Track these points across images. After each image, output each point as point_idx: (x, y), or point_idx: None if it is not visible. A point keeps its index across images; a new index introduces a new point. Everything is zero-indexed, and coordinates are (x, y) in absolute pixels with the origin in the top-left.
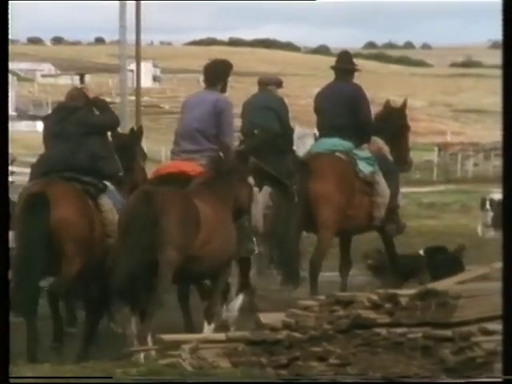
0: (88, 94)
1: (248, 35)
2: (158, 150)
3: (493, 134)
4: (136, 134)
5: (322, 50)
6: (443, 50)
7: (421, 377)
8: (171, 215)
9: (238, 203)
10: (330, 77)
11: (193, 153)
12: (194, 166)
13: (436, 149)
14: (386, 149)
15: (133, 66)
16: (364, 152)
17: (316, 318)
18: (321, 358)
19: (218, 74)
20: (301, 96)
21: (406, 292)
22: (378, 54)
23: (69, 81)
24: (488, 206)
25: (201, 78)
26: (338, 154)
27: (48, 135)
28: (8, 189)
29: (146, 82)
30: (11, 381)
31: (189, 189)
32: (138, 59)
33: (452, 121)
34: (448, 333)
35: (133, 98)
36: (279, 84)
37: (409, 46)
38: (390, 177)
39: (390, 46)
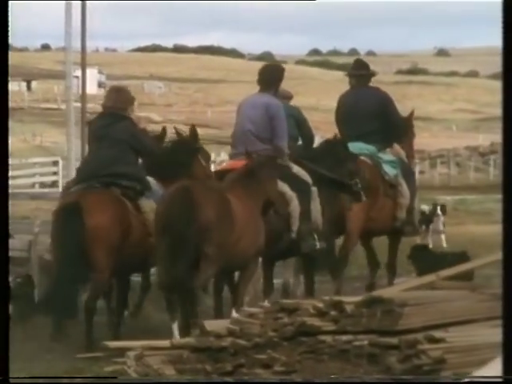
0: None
1: (193, 42)
2: None
3: (439, 141)
4: (195, 132)
5: (267, 57)
6: (388, 57)
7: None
8: (209, 211)
9: (268, 200)
10: None
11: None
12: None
13: None
14: (402, 153)
15: (78, 73)
16: (388, 155)
17: (261, 325)
18: (266, 366)
19: (271, 78)
20: None
21: (351, 299)
22: (323, 60)
23: (16, 87)
24: (439, 211)
25: (145, 84)
26: (363, 157)
27: (91, 139)
28: (8, 191)
29: (92, 88)
30: (11, 381)
31: (222, 185)
32: (83, 66)
33: None
34: (394, 340)
35: (78, 104)
36: (290, 98)
37: (353, 53)
38: (409, 179)
39: (335, 52)
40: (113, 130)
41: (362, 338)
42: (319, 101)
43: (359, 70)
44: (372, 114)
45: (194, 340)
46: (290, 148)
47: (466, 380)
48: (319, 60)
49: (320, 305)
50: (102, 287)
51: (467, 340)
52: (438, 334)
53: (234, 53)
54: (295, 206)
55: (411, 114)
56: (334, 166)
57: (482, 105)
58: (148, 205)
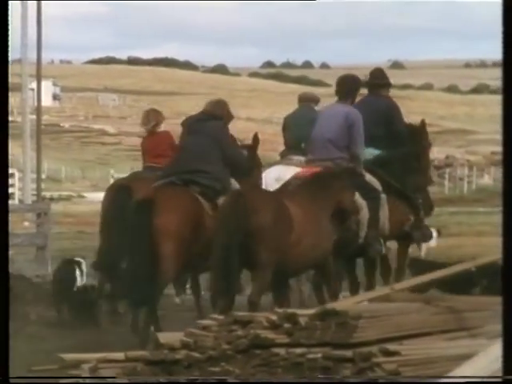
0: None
1: (147, 54)
2: (58, 169)
3: None
4: (257, 140)
5: (220, 69)
6: (342, 70)
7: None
8: (263, 215)
9: (341, 207)
10: (227, 96)
11: (325, 161)
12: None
13: None
14: None
15: (34, 85)
16: None
17: (215, 338)
18: (220, 379)
19: (349, 88)
20: None
21: (305, 312)
22: (277, 73)
23: None
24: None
25: (100, 96)
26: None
27: (185, 133)
28: (8, 191)
29: (46, 100)
30: (11, 381)
31: (282, 191)
32: (39, 78)
33: None
34: (348, 353)
35: (34, 116)
36: (317, 101)
37: (307, 65)
38: None
39: (289, 65)
40: (206, 125)
41: (315, 350)
42: (273, 113)
43: (375, 80)
44: (377, 119)
45: (148, 353)
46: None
47: (466, 380)
48: (273, 72)
49: (274, 317)
50: (166, 282)
51: (422, 353)
52: (392, 346)
53: (187, 65)
54: (365, 213)
55: (422, 123)
56: (404, 176)
57: (437, 118)
58: None
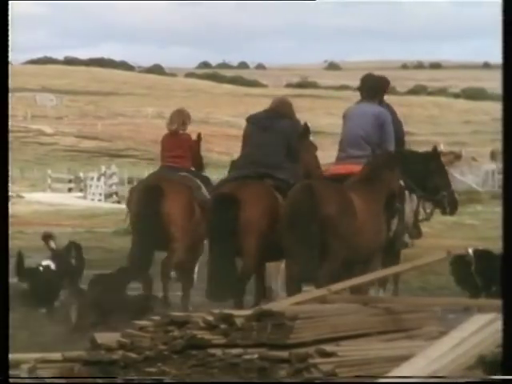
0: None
1: (83, 54)
2: None
3: (329, 155)
4: (307, 129)
5: (156, 70)
6: (278, 71)
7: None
8: (330, 206)
9: (392, 197)
10: (163, 96)
11: (358, 158)
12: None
13: None
14: None
15: None
16: None
17: (151, 339)
18: (156, 379)
19: (376, 88)
20: (135, 115)
21: (241, 313)
22: (212, 73)
23: None
24: None
25: (37, 96)
26: None
27: (250, 135)
28: (8, 192)
29: None
30: (11, 381)
31: (345, 184)
32: None
33: None
34: (284, 354)
35: None
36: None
37: (243, 66)
38: None
39: (224, 65)
40: (277, 122)
41: (252, 351)
42: (209, 114)
43: (364, 84)
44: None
45: (85, 353)
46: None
47: (466, 380)
48: (209, 73)
49: (210, 318)
50: (250, 273)
51: (359, 354)
52: (329, 347)
53: (124, 65)
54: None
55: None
56: (423, 177)
57: None
58: None
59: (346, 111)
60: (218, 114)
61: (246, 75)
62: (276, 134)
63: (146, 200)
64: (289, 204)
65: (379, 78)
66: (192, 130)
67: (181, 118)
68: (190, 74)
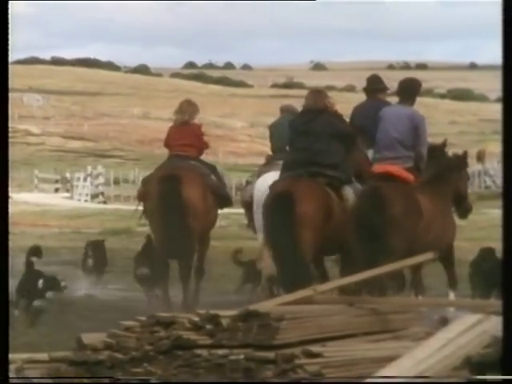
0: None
1: (70, 54)
2: None
3: None
4: (361, 128)
5: (142, 70)
6: (264, 71)
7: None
8: (396, 206)
9: (459, 195)
10: (149, 96)
11: (393, 159)
12: (398, 168)
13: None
14: None
15: None
16: None
17: (137, 339)
18: (142, 379)
19: (411, 90)
20: (121, 115)
21: (227, 313)
22: (198, 74)
23: None
24: None
25: (24, 96)
26: None
27: (295, 135)
28: (8, 191)
29: None
30: (11, 381)
31: (412, 185)
32: None
33: None
34: (270, 355)
35: None
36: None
37: (229, 66)
38: None
39: (210, 66)
40: (315, 124)
41: (238, 352)
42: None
43: (372, 85)
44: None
45: (72, 353)
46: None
47: (466, 380)
48: (195, 73)
49: (196, 319)
50: (306, 267)
51: (345, 355)
52: (315, 348)
53: (110, 65)
54: None
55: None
56: (437, 173)
57: None
58: (349, 193)
59: (381, 113)
60: (204, 114)
61: (231, 75)
62: (317, 133)
63: (166, 189)
64: (357, 205)
65: (413, 81)
66: None
67: (191, 108)
68: (175, 74)
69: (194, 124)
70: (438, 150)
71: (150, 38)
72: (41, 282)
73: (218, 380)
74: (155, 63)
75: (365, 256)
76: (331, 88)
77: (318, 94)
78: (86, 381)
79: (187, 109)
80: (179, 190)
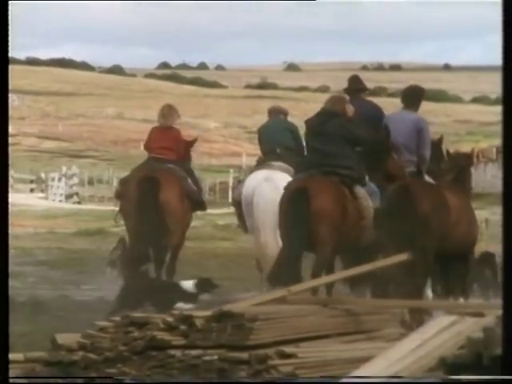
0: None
1: (45, 54)
2: None
3: None
4: (388, 131)
5: (116, 70)
6: (238, 72)
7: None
8: (426, 204)
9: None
10: (123, 96)
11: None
12: None
13: (231, 170)
14: None
15: None
16: None
17: (111, 340)
18: (117, 379)
19: (415, 97)
20: (95, 116)
21: (201, 313)
22: (172, 74)
23: None
24: None
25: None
26: None
27: (310, 135)
28: (8, 189)
29: None
30: (11, 381)
31: (439, 182)
32: None
33: (247, 142)
34: (244, 355)
35: None
36: (286, 114)
37: (203, 66)
38: None
39: (184, 66)
40: (329, 126)
41: (211, 352)
42: None
43: (353, 85)
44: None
45: (46, 354)
46: (285, 156)
47: (441, 381)
48: (168, 74)
49: (170, 319)
50: (325, 261)
51: (319, 355)
52: (289, 349)
53: (84, 66)
54: None
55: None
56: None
57: None
58: (362, 192)
59: (386, 119)
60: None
61: (205, 76)
62: (331, 137)
63: (144, 191)
64: (386, 202)
65: (417, 88)
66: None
67: (173, 112)
68: (149, 75)
69: (175, 128)
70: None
71: (125, 39)
72: (191, 284)
73: (191, 380)
74: (129, 64)
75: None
76: (305, 88)
77: (337, 98)
78: (87, 380)
79: (169, 113)
80: (157, 192)
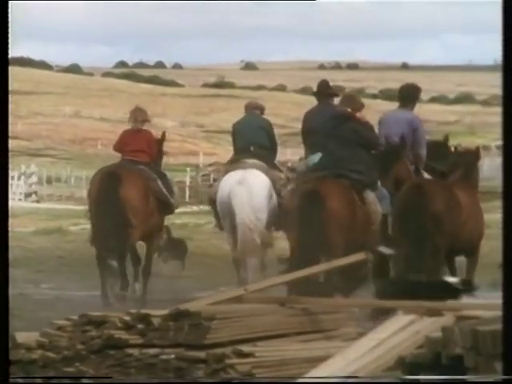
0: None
1: None
2: None
3: None
4: (404, 141)
5: (74, 69)
6: (195, 70)
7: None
8: (439, 202)
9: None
10: (81, 95)
11: None
12: None
13: (188, 169)
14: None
15: None
16: None
17: (69, 338)
18: (74, 378)
19: (411, 96)
20: (54, 114)
21: (158, 312)
22: (130, 73)
23: None
24: None
25: None
26: None
27: (324, 138)
28: (8, 189)
29: None
30: (11, 381)
31: (449, 180)
32: None
33: (204, 141)
34: (201, 354)
35: None
36: (263, 109)
37: (160, 65)
38: None
39: (141, 65)
40: (342, 130)
41: (169, 351)
42: (126, 113)
43: (323, 89)
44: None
45: None
46: (259, 154)
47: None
48: (126, 72)
49: (127, 318)
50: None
51: (276, 355)
52: (246, 348)
53: (43, 64)
54: None
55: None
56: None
57: (290, 119)
58: (371, 197)
59: (381, 118)
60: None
61: (162, 75)
62: (343, 141)
63: (104, 185)
64: (400, 201)
65: (413, 87)
66: (110, 130)
67: (142, 115)
68: (107, 74)
69: (147, 131)
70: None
71: (82, 37)
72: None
73: (148, 379)
74: (87, 62)
75: (410, 253)
76: (262, 87)
77: (350, 99)
78: (85, 380)
79: (139, 116)
80: (117, 187)
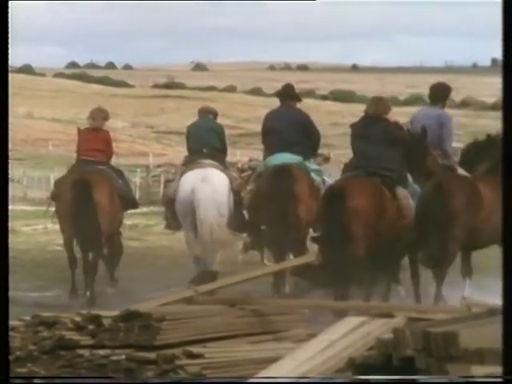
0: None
1: None
2: None
3: None
4: (425, 131)
5: (27, 69)
6: (145, 71)
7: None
8: (459, 200)
9: None
10: (32, 96)
11: None
12: None
13: (138, 170)
14: None
15: None
16: (313, 164)
17: (22, 339)
18: (25, 378)
19: (442, 94)
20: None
21: (109, 313)
22: (81, 73)
23: None
24: None
25: None
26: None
27: (355, 138)
28: (8, 188)
29: None
30: (11, 381)
31: (474, 174)
32: None
33: (154, 142)
34: (152, 355)
35: None
36: (216, 114)
37: (111, 66)
38: None
39: (92, 66)
40: (372, 130)
41: (119, 352)
42: (77, 114)
43: (287, 92)
44: (294, 128)
45: None
46: (211, 155)
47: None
48: (77, 73)
49: (78, 319)
50: (358, 259)
51: (226, 356)
52: (196, 349)
53: None
54: None
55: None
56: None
57: (241, 120)
58: (403, 192)
59: (413, 116)
60: (86, 114)
61: (113, 75)
62: (375, 141)
63: (78, 193)
64: (421, 199)
65: (444, 86)
66: (60, 131)
67: (102, 114)
68: (58, 74)
69: (105, 130)
70: (493, 141)
71: (34, 38)
72: None
73: (99, 380)
74: (39, 63)
75: (431, 248)
76: (212, 88)
77: (379, 101)
78: (86, 380)
79: (99, 115)
80: (90, 193)
